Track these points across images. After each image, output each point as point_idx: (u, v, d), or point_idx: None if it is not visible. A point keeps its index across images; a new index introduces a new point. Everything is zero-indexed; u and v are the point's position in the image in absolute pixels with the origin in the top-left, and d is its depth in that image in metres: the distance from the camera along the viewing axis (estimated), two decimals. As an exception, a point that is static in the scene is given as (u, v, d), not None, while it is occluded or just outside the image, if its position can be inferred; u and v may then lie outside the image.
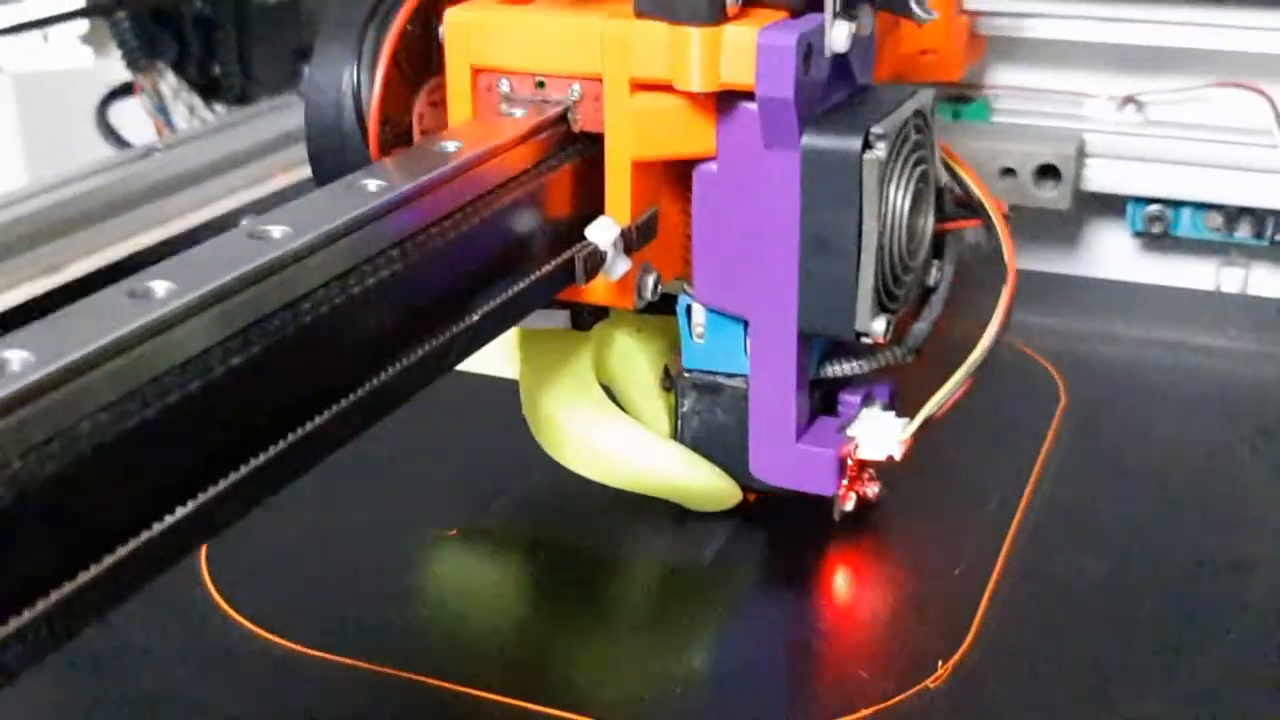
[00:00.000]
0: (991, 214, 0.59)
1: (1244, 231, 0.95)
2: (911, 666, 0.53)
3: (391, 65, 0.54)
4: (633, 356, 0.61)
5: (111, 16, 1.00)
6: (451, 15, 0.54)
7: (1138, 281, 0.97)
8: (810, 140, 0.52)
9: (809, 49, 0.51)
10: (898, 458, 0.58)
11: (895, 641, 0.56)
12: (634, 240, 0.53)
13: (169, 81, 1.03)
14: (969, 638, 0.55)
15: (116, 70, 1.04)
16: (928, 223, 0.57)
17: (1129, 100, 0.97)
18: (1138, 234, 0.98)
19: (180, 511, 0.36)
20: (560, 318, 0.57)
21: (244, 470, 0.38)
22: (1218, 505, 0.65)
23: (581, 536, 0.63)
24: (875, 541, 0.62)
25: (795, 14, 0.52)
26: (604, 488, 0.62)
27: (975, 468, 0.67)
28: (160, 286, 0.37)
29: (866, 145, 0.52)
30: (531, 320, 0.56)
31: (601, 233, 0.52)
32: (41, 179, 0.90)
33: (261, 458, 0.38)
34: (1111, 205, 0.99)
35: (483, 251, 0.49)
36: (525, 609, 0.60)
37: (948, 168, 0.59)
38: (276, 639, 0.56)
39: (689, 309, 0.58)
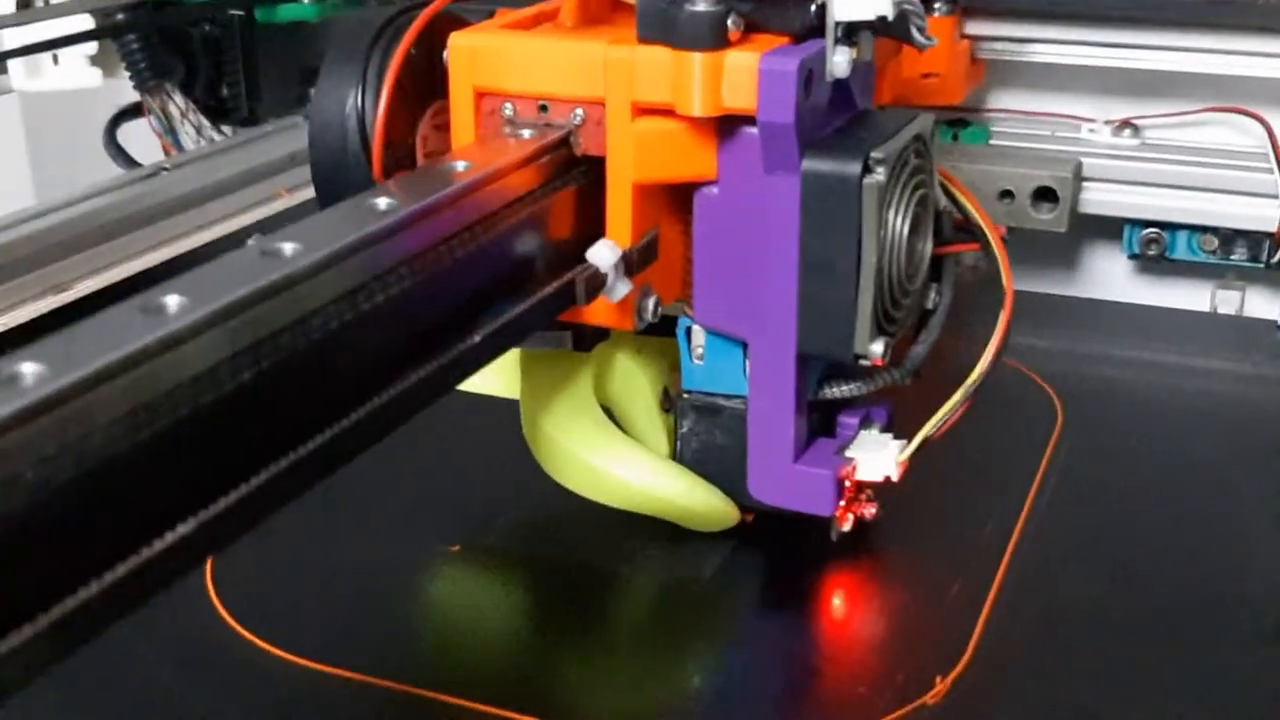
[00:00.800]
0: (990, 237, 0.59)
1: (1240, 254, 0.96)
2: (910, 683, 0.54)
3: (395, 88, 0.54)
4: (633, 377, 0.61)
5: (121, 38, 1.00)
6: (456, 39, 0.55)
7: (1134, 303, 0.98)
8: (811, 164, 0.52)
9: (810, 74, 0.51)
10: (895, 479, 0.58)
11: (894, 658, 0.56)
12: (634, 262, 0.53)
13: (177, 102, 1.04)
14: (967, 655, 0.55)
15: (125, 91, 1.05)
16: (926, 246, 0.57)
17: (1126, 124, 0.98)
18: (1134, 256, 0.99)
19: (186, 526, 0.36)
20: (561, 339, 0.57)
21: (248, 487, 0.38)
22: (1215, 525, 0.65)
23: (582, 554, 0.63)
24: (874, 560, 0.63)
25: (797, 40, 0.53)
26: (605, 507, 0.63)
27: (973, 487, 0.68)
28: (173, 302, 0.37)
29: (866, 170, 0.52)
30: (533, 341, 0.56)
31: (602, 255, 0.52)
32: (50, 198, 0.90)
33: (264, 475, 0.39)
34: (1108, 227, 1.00)
35: (486, 273, 0.49)
36: (526, 625, 0.60)
37: (946, 191, 0.59)
38: (281, 653, 0.56)
39: (689, 331, 0.59)
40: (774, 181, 0.53)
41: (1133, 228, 0.98)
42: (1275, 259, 0.94)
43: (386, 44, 0.55)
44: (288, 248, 0.41)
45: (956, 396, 0.57)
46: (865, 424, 0.60)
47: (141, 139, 1.06)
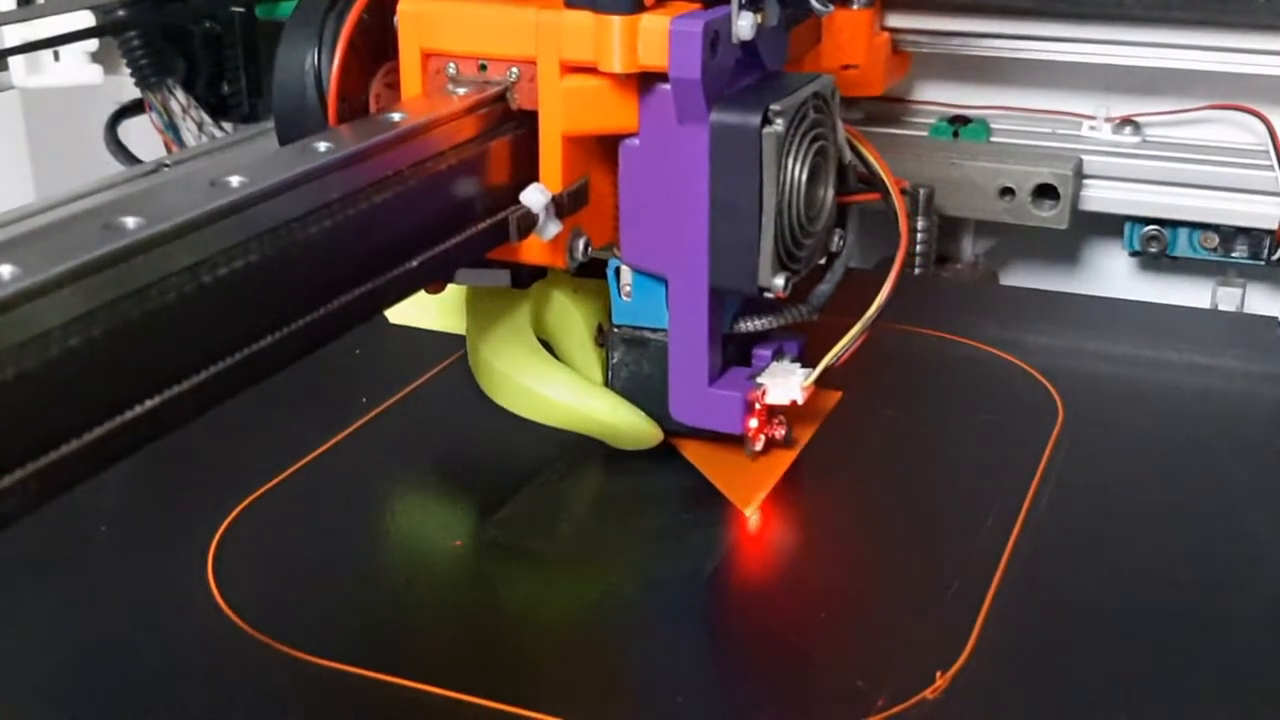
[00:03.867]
0: (890, 189, 0.74)
1: (1241, 251, 1.08)
2: (909, 678, 0.59)
3: (348, 49, 0.70)
4: (569, 314, 0.77)
5: (121, 35, 1.12)
6: (404, 5, 0.70)
7: (1135, 300, 1.08)
8: (717, 117, 0.68)
9: (716, 36, 0.67)
10: (800, 403, 0.74)
11: (893, 653, 0.62)
12: (565, 205, 0.68)
13: (178, 99, 1.16)
14: (967, 649, 0.61)
15: (126, 88, 1.17)
16: (827, 193, 0.73)
17: (1127, 121, 1.11)
18: (1135, 253, 1.12)
19: (24, 470, 0.42)
20: (502, 276, 0.73)
21: (89, 437, 0.45)
22: (1215, 521, 0.71)
23: (583, 548, 0.72)
24: (874, 553, 0.71)
25: (707, 5, 0.68)
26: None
27: (974, 482, 0.75)
28: (5, 271, 0.44)
29: (766, 121, 0.68)
30: (477, 278, 0.73)
31: (533, 197, 0.67)
32: (51, 194, 1.01)
33: (106, 428, 0.46)
34: (1109, 225, 1.13)
35: (426, 207, 0.63)
36: (526, 619, 0.67)
37: (853, 148, 0.75)
38: (280, 646, 0.62)
39: (618, 270, 0.75)
40: (686, 132, 0.69)
41: (1133, 225, 1.11)
42: (1276, 256, 1.06)
43: (341, 9, 0.70)
44: (130, 221, 0.48)
45: (855, 330, 0.73)
46: (778, 356, 0.76)
47: (142, 136, 1.18)
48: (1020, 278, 1.21)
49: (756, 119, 0.68)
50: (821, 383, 0.75)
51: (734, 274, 0.70)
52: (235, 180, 0.53)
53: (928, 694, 0.58)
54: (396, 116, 0.64)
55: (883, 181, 0.75)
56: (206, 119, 1.17)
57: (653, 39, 0.66)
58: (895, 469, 0.79)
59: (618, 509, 0.76)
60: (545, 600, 0.69)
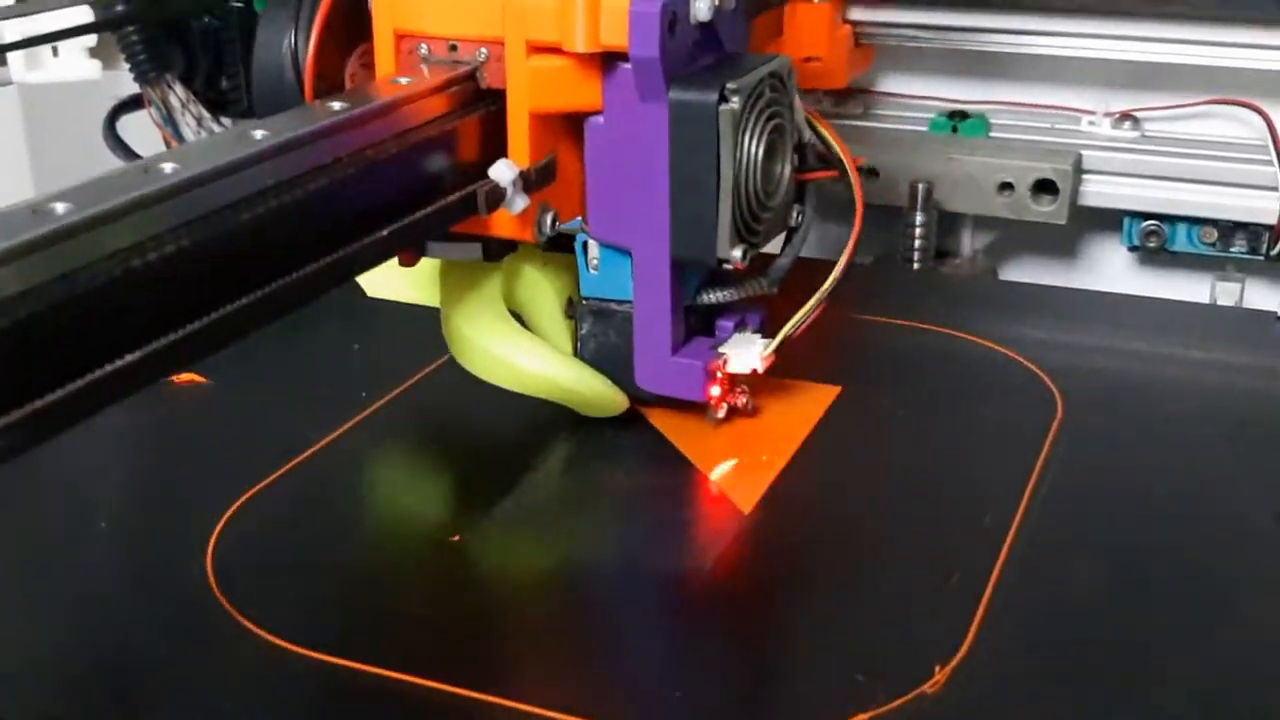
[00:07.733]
0: (847, 166, 0.82)
1: (1240, 246, 1.14)
2: (908, 672, 0.62)
3: (324, 30, 0.77)
4: (539, 286, 0.85)
5: (120, 30, 1.16)
6: (378, -12, 0.78)
7: (1134, 294, 1.12)
8: (676, 94, 0.76)
9: (674, 17, 0.74)
10: (760, 372, 0.81)
11: (892, 647, 0.65)
12: (532, 180, 0.75)
13: (177, 94, 1.20)
14: (966, 644, 0.63)
15: (125, 83, 1.22)
16: (784, 170, 0.81)
17: (1126, 116, 1.17)
18: (1134, 248, 1.18)
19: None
20: (474, 250, 0.80)
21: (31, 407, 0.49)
22: (1213, 517, 0.75)
23: (582, 543, 0.75)
24: (873, 548, 0.74)
25: (668, -15, 0.76)
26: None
27: (972, 477, 0.79)
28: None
29: (723, 99, 0.75)
30: (449, 252, 0.80)
31: (501, 172, 0.74)
32: (49, 190, 1.09)
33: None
34: (1108, 220, 1.19)
35: (397, 179, 0.70)
36: (524, 615, 0.70)
37: (813, 127, 0.83)
38: (280, 641, 0.65)
39: (585, 244, 0.82)
40: (647, 110, 0.76)
41: (1132, 220, 1.17)
42: (1275, 251, 1.12)
43: (317, -8, 0.78)
44: (59, 207, 0.51)
45: (811, 302, 0.81)
46: (740, 327, 0.84)
47: (141, 131, 1.22)
48: (1019, 273, 1.27)
49: (713, 96, 0.75)
50: (820, 377, 0.84)
51: (694, 246, 0.77)
52: (168, 167, 0.57)
53: (927, 688, 0.61)
54: (337, 104, 0.68)
55: (839, 159, 0.82)
56: (205, 114, 1.21)
57: (614, 20, 0.73)
58: (894, 464, 0.82)
59: (617, 504, 0.80)
60: (544, 595, 0.72)
